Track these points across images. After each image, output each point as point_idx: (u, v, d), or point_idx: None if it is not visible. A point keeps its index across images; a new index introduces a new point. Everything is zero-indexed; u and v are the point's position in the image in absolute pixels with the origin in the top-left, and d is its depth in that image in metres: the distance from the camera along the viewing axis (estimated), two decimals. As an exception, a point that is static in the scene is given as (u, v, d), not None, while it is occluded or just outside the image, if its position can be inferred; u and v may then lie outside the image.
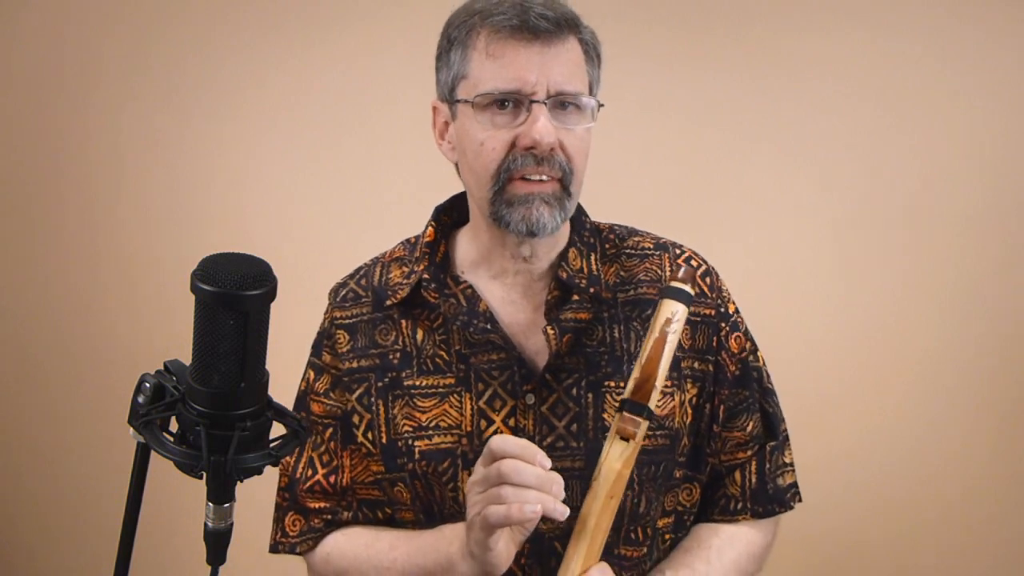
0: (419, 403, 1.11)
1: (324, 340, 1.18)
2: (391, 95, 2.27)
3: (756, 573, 1.18)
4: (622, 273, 1.15)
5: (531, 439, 1.06)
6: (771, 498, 1.17)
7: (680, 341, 1.11)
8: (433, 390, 1.11)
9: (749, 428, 1.17)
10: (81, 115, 2.34)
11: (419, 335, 1.13)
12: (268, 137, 2.34)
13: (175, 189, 2.35)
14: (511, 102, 1.03)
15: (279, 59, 2.31)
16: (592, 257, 1.14)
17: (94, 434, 2.31)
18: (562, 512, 0.92)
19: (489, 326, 1.09)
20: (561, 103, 1.04)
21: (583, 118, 1.06)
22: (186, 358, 0.77)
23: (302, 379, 1.21)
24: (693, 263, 1.16)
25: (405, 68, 2.17)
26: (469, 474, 1.02)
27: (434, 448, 1.09)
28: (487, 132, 1.04)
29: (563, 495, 0.93)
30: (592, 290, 1.11)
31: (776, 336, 1.48)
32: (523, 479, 0.92)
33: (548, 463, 0.93)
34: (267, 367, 0.77)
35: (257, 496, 1.29)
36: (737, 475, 1.17)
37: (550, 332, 1.08)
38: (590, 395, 1.09)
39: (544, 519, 0.93)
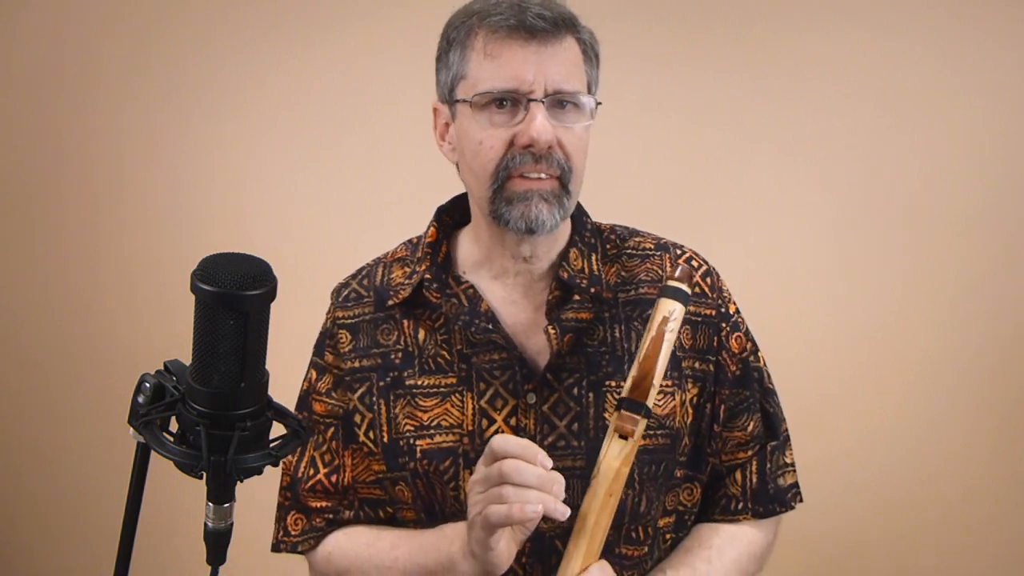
0: (421, 402, 1.11)
1: (326, 340, 1.19)
2: (391, 95, 2.27)
3: (757, 573, 1.18)
4: (623, 273, 1.15)
5: (532, 438, 1.07)
6: (772, 498, 1.17)
7: (681, 341, 1.12)
8: (435, 389, 1.11)
9: (750, 428, 1.17)
10: (81, 115, 2.34)
11: (421, 335, 1.13)
12: (268, 137, 2.34)
13: (175, 189, 2.35)
14: (509, 101, 1.04)
15: (279, 59, 2.31)
16: (593, 257, 1.14)
17: (94, 434, 2.31)
18: (563, 512, 0.92)
19: (491, 326, 1.10)
20: (559, 102, 1.05)
21: (581, 117, 1.06)
22: (186, 358, 0.77)
23: (304, 379, 1.21)
24: (694, 263, 1.17)
25: (405, 68, 2.17)
26: (470, 473, 1.03)
27: (435, 447, 1.10)
28: (486, 131, 1.04)
29: (564, 495, 0.93)
30: (593, 290, 1.11)
31: (776, 336, 1.48)
32: (524, 479, 0.92)
33: (549, 463, 0.94)
34: (267, 367, 0.77)
35: (257, 496, 1.30)
36: (738, 475, 1.17)
37: (551, 332, 1.08)
38: (591, 394, 1.09)
39: (545, 518, 0.93)
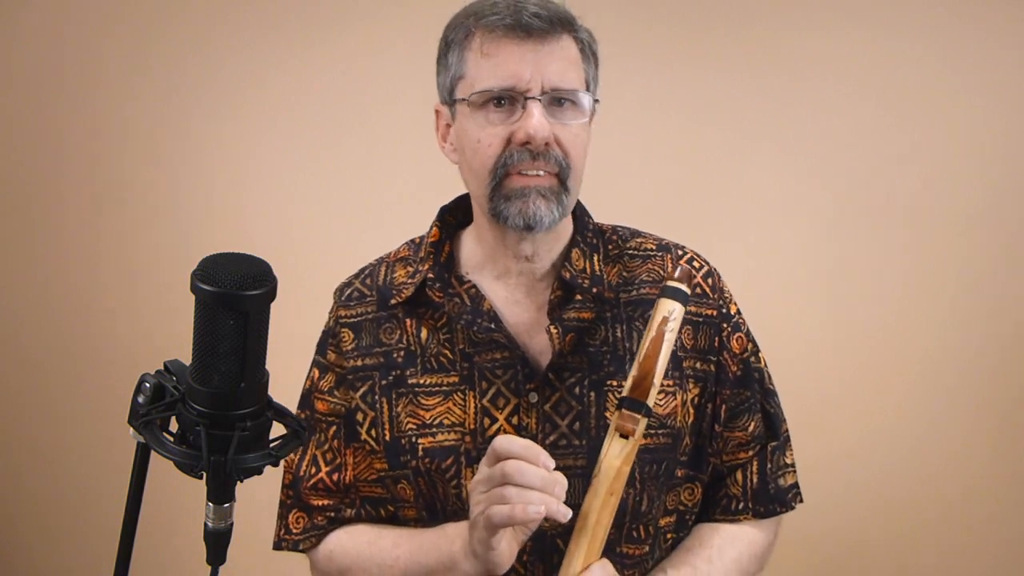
0: (423, 401, 1.11)
1: (329, 339, 1.19)
2: (391, 95, 2.27)
3: (758, 572, 1.18)
4: (624, 274, 1.15)
5: (534, 437, 1.07)
6: (772, 498, 1.17)
7: (682, 341, 1.12)
8: (437, 388, 1.11)
9: (750, 428, 1.17)
10: (81, 115, 2.34)
11: (423, 334, 1.13)
12: (268, 137, 2.34)
13: (175, 189, 2.35)
14: (507, 100, 1.04)
15: (279, 59, 2.31)
16: (595, 258, 1.14)
17: (94, 434, 2.31)
18: (564, 514, 0.93)
19: (493, 325, 1.10)
20: (557, 100, 1.05)
21: (579, 114, 1.07)
22: (186, 358, 0.77)
23: (307, 377, 1.21)
24: (695, 264, 1.17)
25: (405, 68, 2.18)
26: (472, 471, 1.03)
27: (437, 445, 1.10)
28: (484, 130, 1.05)
29: (565, 496, 0.94)
30: (595, 290, 1.11)
31: (776, 336, 1.48)
32: (527, 480, 0.92)
33: (552, 464, 0.94)
34: (267, 367, 0.77)
35: (257, 496, 1.30)
36: (739, 475, 1.17)
37: (553, 331, 1.09)
38: (592, 394, 1.09)
39: (546, 518, 0.94)
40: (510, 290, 1.14)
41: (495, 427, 1.08)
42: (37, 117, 2.35)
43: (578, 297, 1.11)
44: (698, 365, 1.14)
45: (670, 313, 1.00)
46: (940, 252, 2.25)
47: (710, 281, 1.17)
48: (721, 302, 1.17)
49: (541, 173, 1.05)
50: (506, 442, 0.95)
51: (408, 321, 1.14)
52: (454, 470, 1.09)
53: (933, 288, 2.25)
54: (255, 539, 1.39)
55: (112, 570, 0.82)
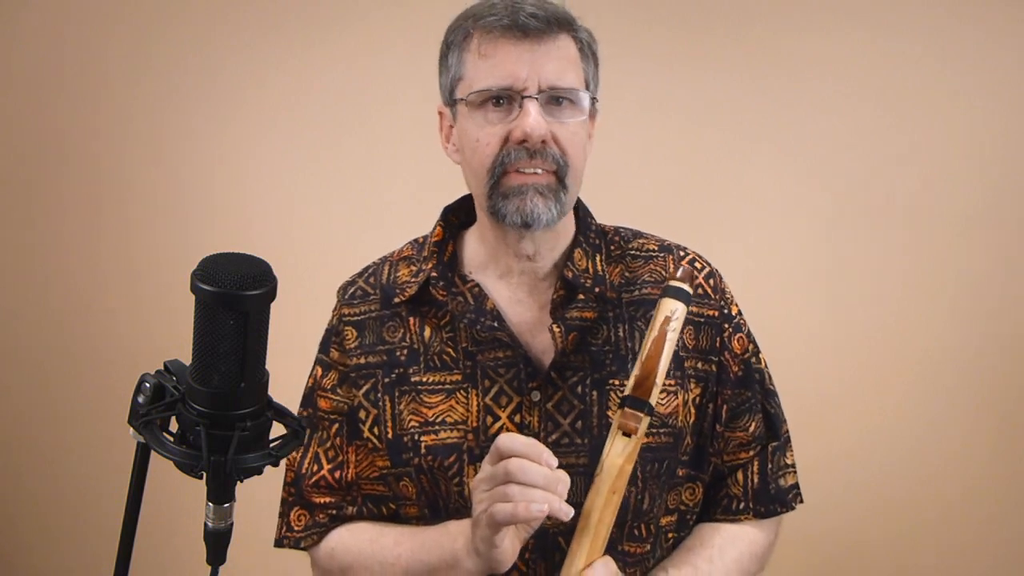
0: (426, 399, 1.12)
1: (332, 337, 1.19)
2: (391, 95, 2.27)
3: (758, 572, 1.19)
4: (627, 274, 1.16)
5: (536, 436, 1.07)
6: (773, 498, 1.17)
7: (684, 341, 1.13)
8: (440, 386, 1.12)
9: (751, 428, 1.17)
10: (81, 115, 2.34)
11: (427, 332, 1.14)
12: (268, 137, 2.34)
13: (175, 189, 2.35)
14: (504, 99, 1.05)
15: (279, 59, 2.32)
16: (597, 258, 1.15)
17: (94, 434, 2.31)
18: (567, 513, 0.93)
19: (496, 324, 1.10)
20: (555, 98, 1.06)
21: (577, 113, 1.08)
22: (186, 358, 0.77)
23: (309, 375, 1.22)
24: (697, 265, 1.18)
25: (405, 68, 2.18)
26: (474, 469, 1.03)
27: (440, 443, 1.10)
28: (482, 129, 1.06)
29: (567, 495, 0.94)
30: (597, 290, 1.12)
31: (776, 336, 1.48)
32: (530, 478, 0.93)
33: (555, 462, 0.94)
34: (267, 367, 0.77)
35: (257, 495, 1.30)
36: (739, 475, 1.17)
37: (556, 330, 1.09)
38: (595, 393, 1.09)
39: (548, 516, 0.94)
40: (513, 289, 1.14)
41: (497, 425, 1.09)
42: (38, 117, 2.35)
43: (580, 297, 1.12)
44: (699, 365, 1.14)
45: (672, 313, 1.01)
46: (940, 252, 2.25)
47: (712, 282, 1.17)
48: (723, 303, 1.17)
49: (539, 171, 1.05)
50: (509, 440, 0.95)
51: (411, 319, 1.15)
52: (456, 468, 1.10)
53: (933, 288, 2.25)
54: (255, 539, 1.39)
55: (112, 570, 0.82)
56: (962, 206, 2.23)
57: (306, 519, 1.18)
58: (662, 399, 1.09)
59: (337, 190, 2.32)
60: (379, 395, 1.14)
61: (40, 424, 2.38)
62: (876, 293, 2.26)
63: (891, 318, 2.26)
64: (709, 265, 1.19)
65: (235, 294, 0.71)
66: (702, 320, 1.15)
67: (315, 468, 1.18)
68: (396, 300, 1.15)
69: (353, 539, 1.16)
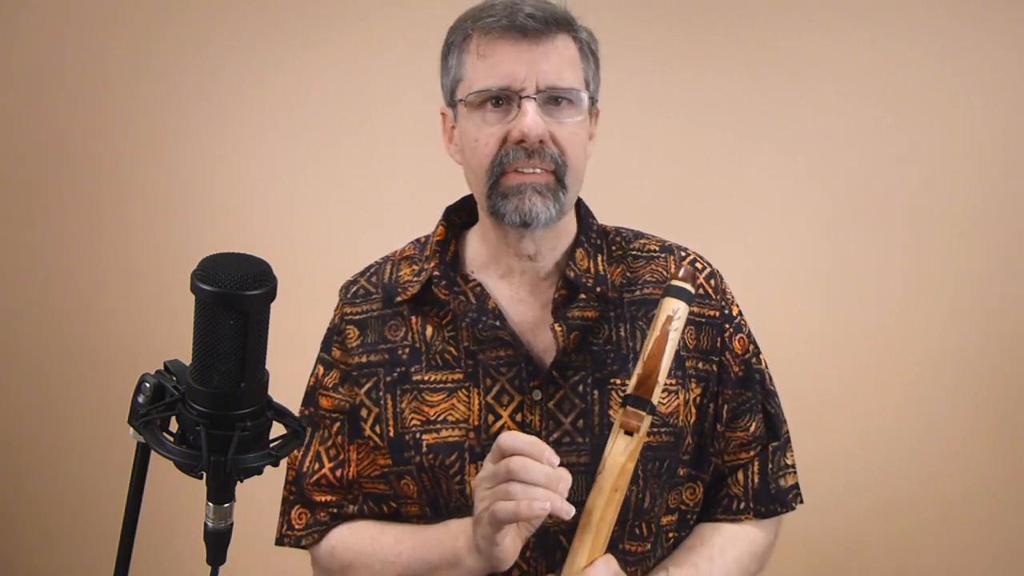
0: (427, 397, 1.12)
1: (334, 336, 1.20)
2: (391, 95, 2.27)
3: (758, 572, 1.19)
4: (628, 274, 1.16)
5: (537, 434, 1.07)
6: (773, 498, 1.17)
7: (685, 341, 1.13)
8: (442, 385, 1.12)
9: (752, 429, 1.17)
10: (81, 115, 2.34)
11: (428, 331, 1.14)
12: (268, 137, 2.34)
13: (175, 189, 2.35)
14: (503, 99, 1.06)
15: (279, 59, 2.31)
16: (599, 258, 1.15)
17: (94, 434, 2.31)
18: (568, 511, 0.94)
19: (498, 323, 1.11)
20: (554, 98, 1.06)
21: (576, 112, 1.08)
22: (186, 358, 0.77)
23: (311, 374, 1.22)
24: (698, 265, 1.18)
25: (405, 68, 2.18)
26: (476, 468, 1.03)
27: (441, 441, 1.10)
28: (481, 129, 1.07)
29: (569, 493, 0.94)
30: (599, 289, 1.12)
31: (776, 336, 1.48)
32: (531, 476, 0.93)
33: (556, 460, 0.95)
34: (267, 367, 0.77)
35: (257, 495, 1.30)
36: (740, 475, 1.18)
37: (557, 329, 1.09)
38: (596, 392, 1.10)
39: (550, 514, 0.94)
40: (514, 289, 1.14)
41: (499, 424, 1.09)
42: (38, 117, 2.35)
43: (582, 296, 1.12)
44: (700, 365, 1.15)
45: (674, 312, 1.01)
46: (940, 252, 2.25)
47: (713, 282, 1.18)
48: (723, 303, 1.17)
49: (537, 171, 1.06)
50: (511, 438, 0.96)
51: (413, 319, 1.15)
52: (458, 466, 1.10)
53: (933, 288, 2.25)
54: (255, 539, 1.39)
55: (112, 570, 0.82)
56: (962, 206, 2.23)
57: (307, 517, 1.18)
58: (663, 398, 1.10)
59: (337, 190, 2.32)
60: (381, 394, 1.14)
61: (40, 424, 2.37)
62: (876, 293, 2.26)
63: (891, 318, 2.26)
64: (710, 266, 1.20)
65: (235, 294, 0.71)
66: (703, 320, 1.15)
67: (316, 467, 1.18)
68: (398, 299, 1.16)
69: (354, 537, 1.16)
